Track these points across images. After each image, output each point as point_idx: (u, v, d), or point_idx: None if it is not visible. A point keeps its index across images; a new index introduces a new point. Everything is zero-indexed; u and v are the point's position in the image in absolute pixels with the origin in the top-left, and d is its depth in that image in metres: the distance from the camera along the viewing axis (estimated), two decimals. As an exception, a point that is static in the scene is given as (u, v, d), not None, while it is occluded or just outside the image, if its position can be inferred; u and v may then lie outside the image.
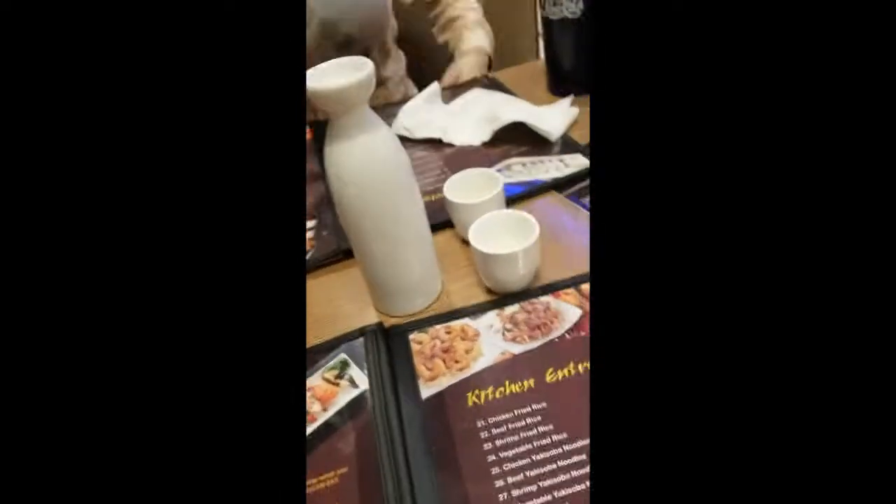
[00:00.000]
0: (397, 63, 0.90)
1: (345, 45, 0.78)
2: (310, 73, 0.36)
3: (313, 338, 0.46)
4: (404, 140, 0.71)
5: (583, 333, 0.40)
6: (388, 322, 0.46)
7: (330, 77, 0.36)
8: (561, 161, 0.60)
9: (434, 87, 0.76)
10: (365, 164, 0.38)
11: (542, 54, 1.04)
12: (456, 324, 0.43)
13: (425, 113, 0.71)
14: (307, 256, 0.54)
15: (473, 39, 0.87)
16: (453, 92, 0.77)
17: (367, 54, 0.83)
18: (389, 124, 0.72)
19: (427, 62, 0.99)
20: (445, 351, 0.41)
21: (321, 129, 0.76)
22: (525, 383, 0.37)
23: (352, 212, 0.40)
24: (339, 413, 0.38)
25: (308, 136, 0.75)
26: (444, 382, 0.39)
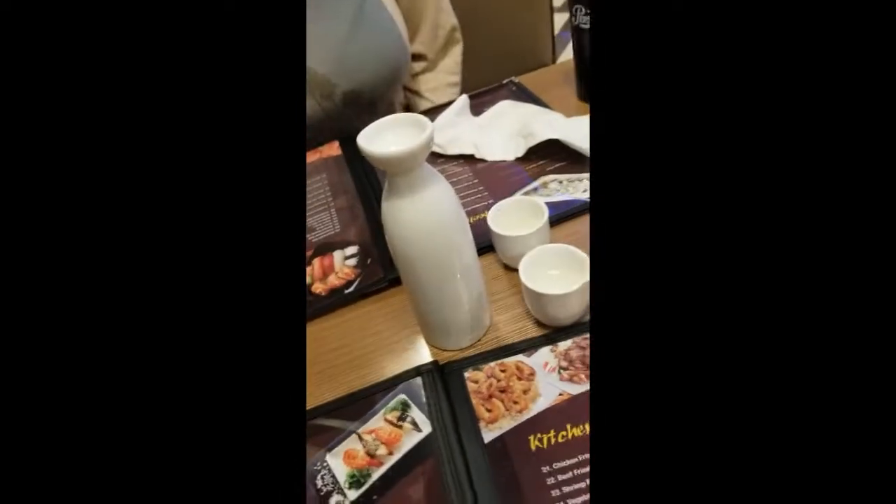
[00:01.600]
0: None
1: (369, 106, 0.77)
2: (366, 131, 0.36)
3: (364, 374, 0.48)
4: (436, 156, 0.70)
5: (638, 371, 0.41)
6: (441, 357, 0.47)
7: (387, 135, 0.36)
8: (599, 179, 0.60)
9: (463, 99, 0.75)
10: (423, 218, 0.38)
11: (559, 58, 1.02)
12: (510, 361, 0.44)
13: (455, 128, 0.71)
14: (353, 287, 0.55)
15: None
16: (481, 102, 0.77)
17: (390, 104, 0.82)
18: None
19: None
20: (503, 391, 0.42)
21: (350, 145, 0.76)
22: (587, 427, 0.38)
23: (407, 260, 0.41)
24: (406, 457, 0.40)
25: (338, 151, 0.75)
26: (505, 425, 0.40)
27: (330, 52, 0.70)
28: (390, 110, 0.83)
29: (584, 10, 0.65)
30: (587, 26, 0.66)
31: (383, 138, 0.36)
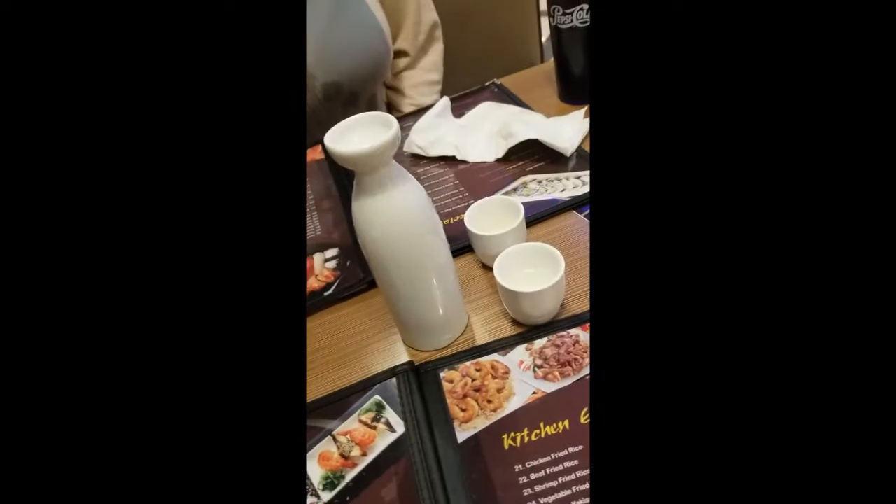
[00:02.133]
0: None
1: (351, 101, 0.77)
2: (333, 130, 0.36)
3: (345, 375, 0.47)
4: (418, 158, 0.70)
5: (612, 368, 0.41)
6: (417, 357, 0.47)
7: (354, 135, 0.36)
8: (578, 178, 0.60)
9: (444, 101, 0.75)
10: (392, 217, 0.38)
11: (546, 59, 1.03)
12: (485, 360, 0.44)
13: (437, 130, 0.71)
14: (332, 289, 0.55)
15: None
16: (463, 104, 0.77)
17: (372, 99, 0.82)
18: (402, 141, 0.72)
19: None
20: (477, 390, 0.42)
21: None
22: (560, 425, 0.38)
23: (379, 259, 0.41)
24: (379, 458, 0.39)
25: (321, 155, 0.75)
26: (479, 425, 0.40)
27: (309, 43, 0.70)
28: (371, 107, 0.83)
29: (561, 10, 0.65)
30: (565, 26, 0.66)
31: (349, 138, 0.36)
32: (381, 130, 0.36)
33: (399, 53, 0.86)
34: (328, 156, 0.74)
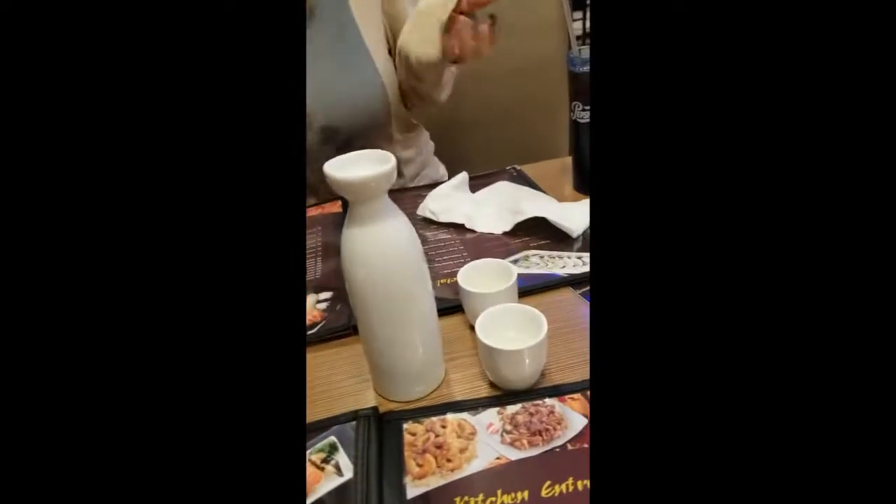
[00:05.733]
0: (412, 148, 0.91)
1: (345, 146, 0.80)
2: (334, 161, 0.38)
3: (309, 414, 0.45)
4: (429, 222, 0.72)
5: (585, 445, 0.38)
6: (385, 406, 0.45)
7: (353, 167, 0.38)
8: (580, 258, 0.60)
9: (462, 176, 0.79)
10: (377, 249, 0.39)
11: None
12: (453, 417, 0.42)
13: (451, 199, 0.74)
14: (316, 329, 0.54)
15: None
16: (480, 183, 0.80)
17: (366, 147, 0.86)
18: (417, 206, 0.75)
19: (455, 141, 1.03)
20: (438, 447, 0.39)
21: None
22: (519, 495, 0.35)
23: (361, 293, 0.41)
24: (318, 502, 0.36)
25: (338, 209, 0.78)
26: (433, 483, 0.37)
27: (312, 85, 0.74)
28: None
29: (581, 105, 0.69)
30: (584, 121, 0.70)
31: (348, 170, 0.38)
32: (379, 166, 0.37)
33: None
34: (346, 210, 0.78)
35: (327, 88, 0.77)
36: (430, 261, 0.62)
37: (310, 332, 0.54)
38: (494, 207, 0.71)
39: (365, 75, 0.79)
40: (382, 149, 0.38)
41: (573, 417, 0.40)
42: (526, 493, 0.35)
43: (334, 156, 0.38)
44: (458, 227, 0.70)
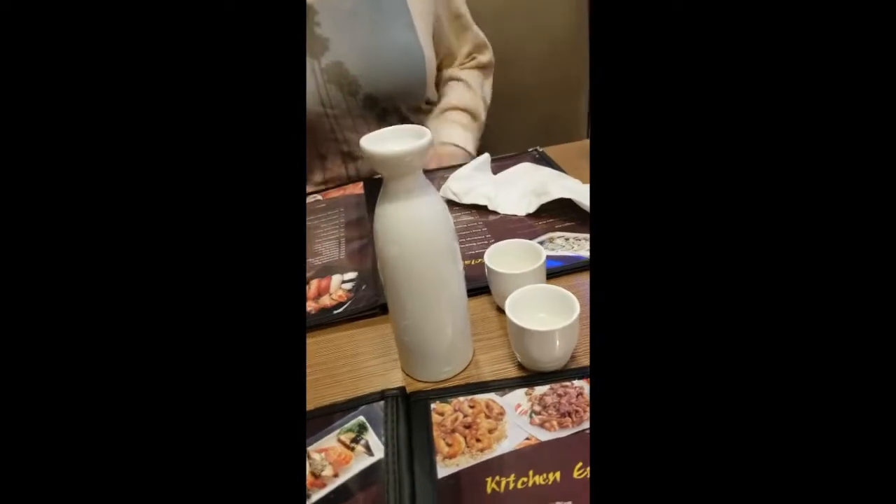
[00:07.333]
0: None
1: (383, 116, 0.82)
2: (369, 136, 0.37)
3: (333, 394, 0.45)
4: (451, 204, 0.72)
5: (617, 428, 0.37)
6: (412, 386, 0.44)
7: (389, 142, 0.37)
8: (606, 240, 0.59)
9: (484, 157, 0.78)
10: (410, 226, 0.38)
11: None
12: (481, 398, 0.41)
13: (473, 180, 0.73)
14: (342, 309, 0.54)
15: (451, 97, 0.90)
16: (503, 165, 0.79)
17: (400, 114, 0.87)
18: (439, 187, 0.74)
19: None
20: (467, 427, 0.39)
21: (373, 187, 0.79)
22: (551, 476, 0.35)
23: (392, 270, 0.40)
24: (351, 481, 0.36)
25: (360, 190, 0.78)
26: (463, 463, 0.37)
27: (353, 53, 0.77)
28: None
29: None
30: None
31: (384, 144, 0.37)
32: (414, 139, 0.37)
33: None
34: (367, 193, 0.77)
35: (368, 56, 0.78)
36: (453, 242, 0.62)
37: (336, 312, 0.54)
38: (517, 189, 0.70)
39: (406, 42, 0.80)
40: (413, 118, 0.38)
41: (604, 400, 0.40)
42: (558, 475, 0.35)
43: (374, 122, 0.38)
44: (481, 209, 0.69)
